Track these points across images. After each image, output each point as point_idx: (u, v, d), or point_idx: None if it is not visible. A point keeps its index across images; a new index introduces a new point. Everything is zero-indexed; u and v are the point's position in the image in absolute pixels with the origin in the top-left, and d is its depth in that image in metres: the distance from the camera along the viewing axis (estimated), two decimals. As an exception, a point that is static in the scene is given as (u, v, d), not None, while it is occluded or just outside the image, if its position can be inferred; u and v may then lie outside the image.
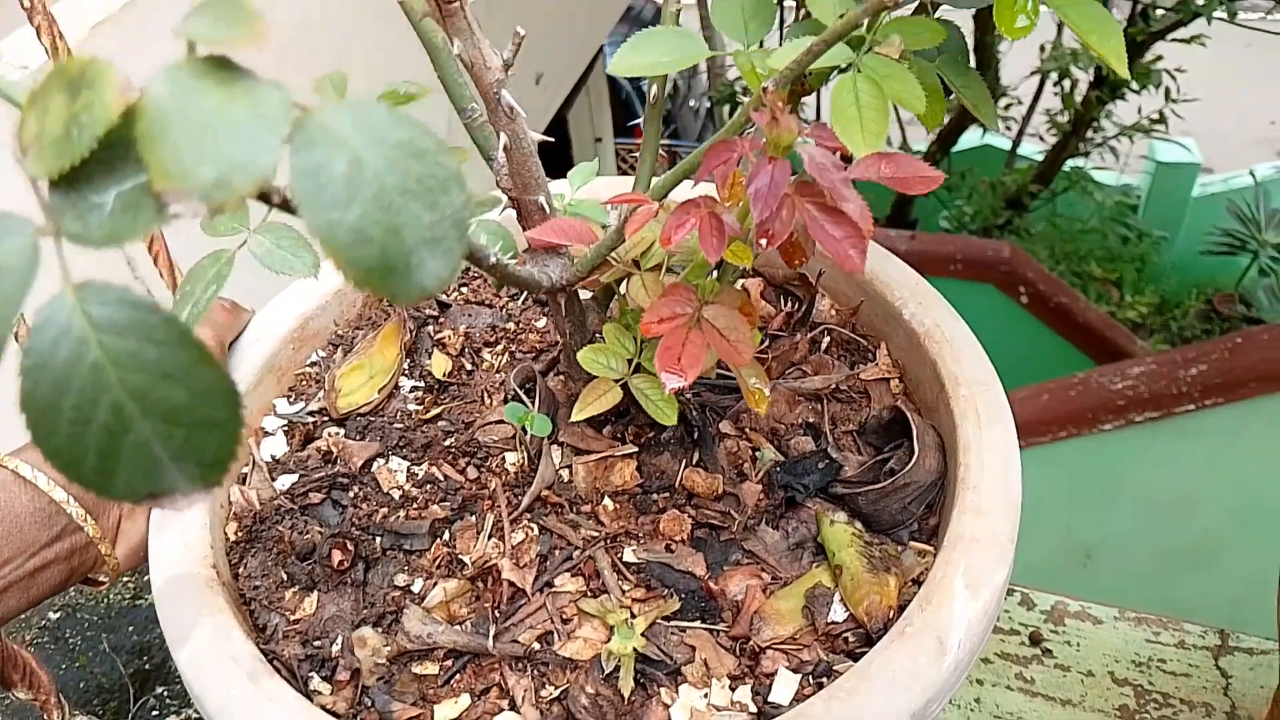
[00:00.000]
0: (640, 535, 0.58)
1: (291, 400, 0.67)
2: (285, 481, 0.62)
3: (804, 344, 0.68)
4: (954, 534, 0.53)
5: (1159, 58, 4.13)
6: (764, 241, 0.41)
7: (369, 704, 0.52)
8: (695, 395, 0.64)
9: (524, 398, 0.62)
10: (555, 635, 0.53)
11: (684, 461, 0.61)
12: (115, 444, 0.25)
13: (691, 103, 6.33)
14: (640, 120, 0.57)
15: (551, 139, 0.56)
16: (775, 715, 0.48)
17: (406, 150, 0.25)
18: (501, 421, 0.63)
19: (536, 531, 0.57)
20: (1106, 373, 2.22)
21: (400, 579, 0.56)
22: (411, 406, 0.66)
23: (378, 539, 0.58)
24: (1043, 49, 4.35)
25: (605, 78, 4.71)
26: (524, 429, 0.60)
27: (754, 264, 0.53)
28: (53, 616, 0.93)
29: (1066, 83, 4.34)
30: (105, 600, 0.92)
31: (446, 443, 0.63)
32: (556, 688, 0.51)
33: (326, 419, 0.66)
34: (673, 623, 0.53)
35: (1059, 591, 0.90)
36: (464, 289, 0.75)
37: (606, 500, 0.59)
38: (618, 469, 0.60)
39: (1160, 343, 4.43)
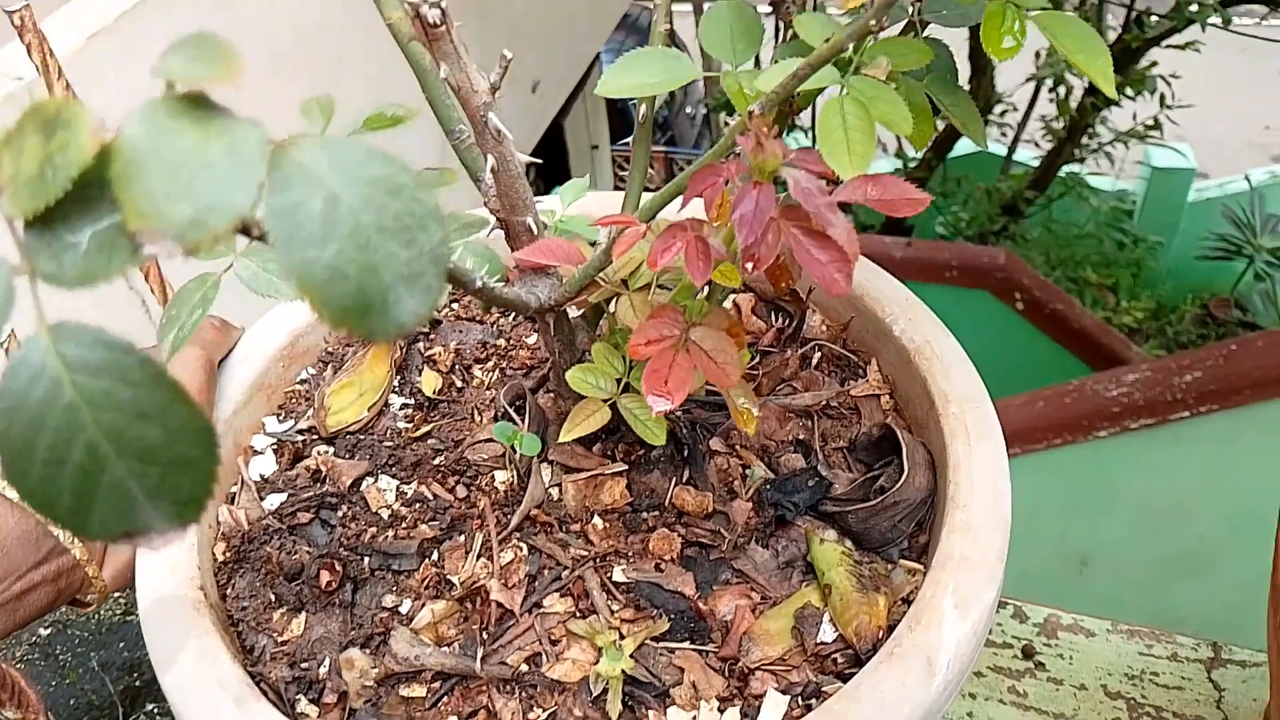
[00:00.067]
0: (630, 554, 0.58)
1: (281, 418, 0.67)
2: (274, 501, 0.61)
3: (795, 360, 0.68)
4: (943, 553, 0.53)
5: (1154, 64, 4.14)
6: (750, 266, 0.41)
7: (357, 726, 0.51)
8: (685, 412, 0.64)
9: (514, 415, 0.62)
10: (544, 657, 0.53)
11: (674, 479, 0.61)
12: (91, 483, 0.25)
13: (688, 110, 6.34)
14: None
15: (539, 160, 0.56)
16: (764, 738, 0.48)
17: (383, 187, 0.25)
18: (491, 440, 0.63)
19: (525, 551, 0.57)
20: (1101, 380, 2.22)
21: (388, 600, 0.56)
22: (401, 424, 0.66)
23: (366, 559, 0.58)
24: (1038, 56, 4.36)
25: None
26: (513, 448, 0.60)
27: (745, 279, 0.53)
28: (43, 633, 0.92)
29: (1061, 89, 4.35)
30: (96, 617, 0.92)
31: (436, 461, 0.63)
32: (544, 710, 0.51)
33: (316, 437, 0.65)
34: (662, 643, 0.53)
35: (1052, 604, 0.90)
36: (455, 305, 0.75)
37: (596, 519, 0.59)
38: (607, 487, 0.60)
39: (1156, 348, 4.44)
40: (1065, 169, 4.68)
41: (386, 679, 0.53)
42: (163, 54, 0.24)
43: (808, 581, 0.57)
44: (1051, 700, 0.83)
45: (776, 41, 0.55)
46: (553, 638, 0.53)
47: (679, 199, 0.48)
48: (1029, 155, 5.15)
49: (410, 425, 0.66)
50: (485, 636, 0.53)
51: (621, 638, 0.53)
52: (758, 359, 0.68)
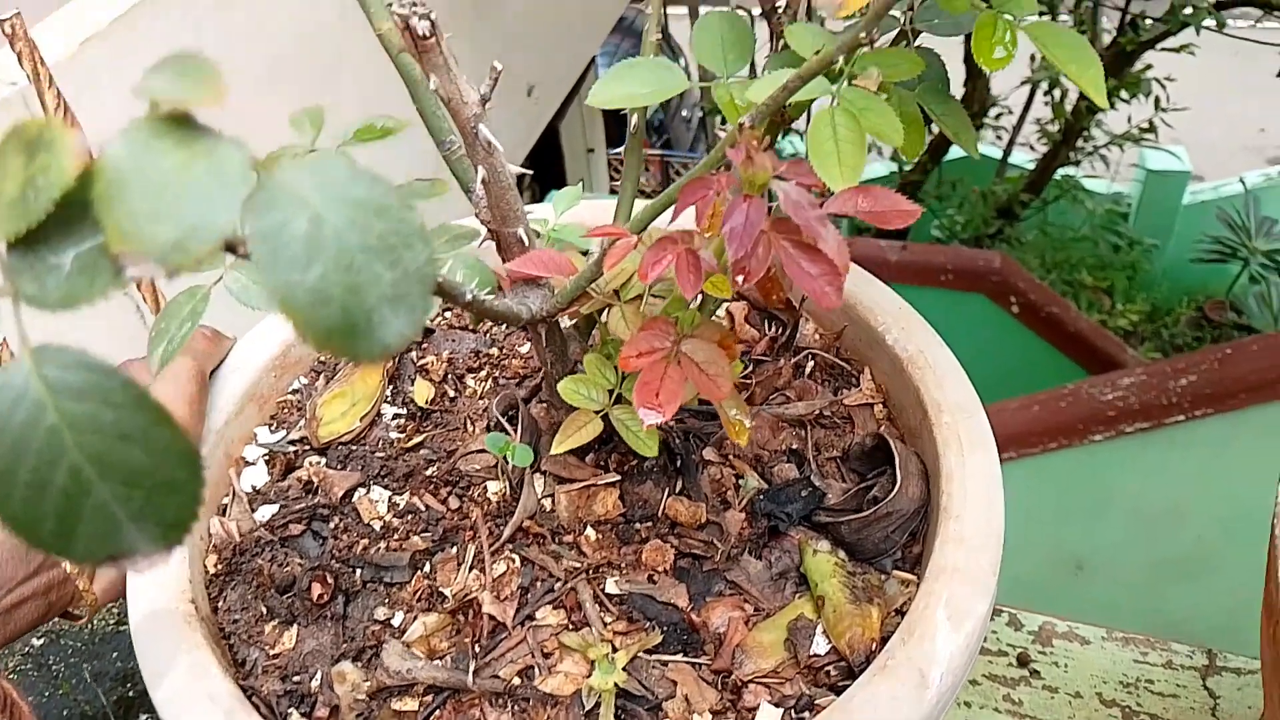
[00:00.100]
0: (623, 566, 0.57)
1: (273, 428, 0.67)
2: (265, 512, 0.61)
3: (788, 369, 0.68)
4: (936, 564, 0.53)
5: (1148, 67, 4.15)
6: (741, 279, 0.40)
7: (348, 740, 0.51)
8: (678, 422, 0.64)
9: (506, 426, 0.62)
10: (536, 670, 0.52)
11: (667, 490, 0.60)
12: (74, 507, 0.24)
13: (684, 113, 6.34)
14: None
15: (530, 170, 0.56)
16: (757, 751, 0.48)
17: (368, 207, 0.25)
18: (484, 450, 0.63)
19: (518, 563, 0.57)
20: (1097, 384, 2.23)
21: (380, 612, 0.56)
22: (393, 434, 0.66)
23: (358, 571, 0.58)
24: (1033, 59, 4.36)
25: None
26: (505, 459, 0.59)
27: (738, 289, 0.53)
28: (36, 643, 0.92)
29: (1056, 92, 4.35)
30: (89, 626, 0.91)
31: (428, 472, 0.63)
32: (537, 723, 0.51)
33: (308, 448, 0.65)
34: (654, 656, 0.53)
35: (1048, 609, 0.90)
36: (448, 314, 0.75)
37: (589, 530, 0.59)
38: (600, 498, 0.60)
39: (1152, 350, 4.45)
40: (1060, 172, 4.69)
41: (378, 692, 0.52)
42: (146, 73, 0.24)
43: (801, 593, 0.56)
44: (1047, 708, 0.83)
45: (772, 47, 0.55)
46: (545, 650, 0.53)
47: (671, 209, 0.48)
48: (1024, 158, 5.16)
49: (403, 435, 0.66)
50: (477, 649, 0.53)
51: (614, 650, 0.53)
52: (751, 368, 0.68)
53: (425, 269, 0.26)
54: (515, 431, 0.60)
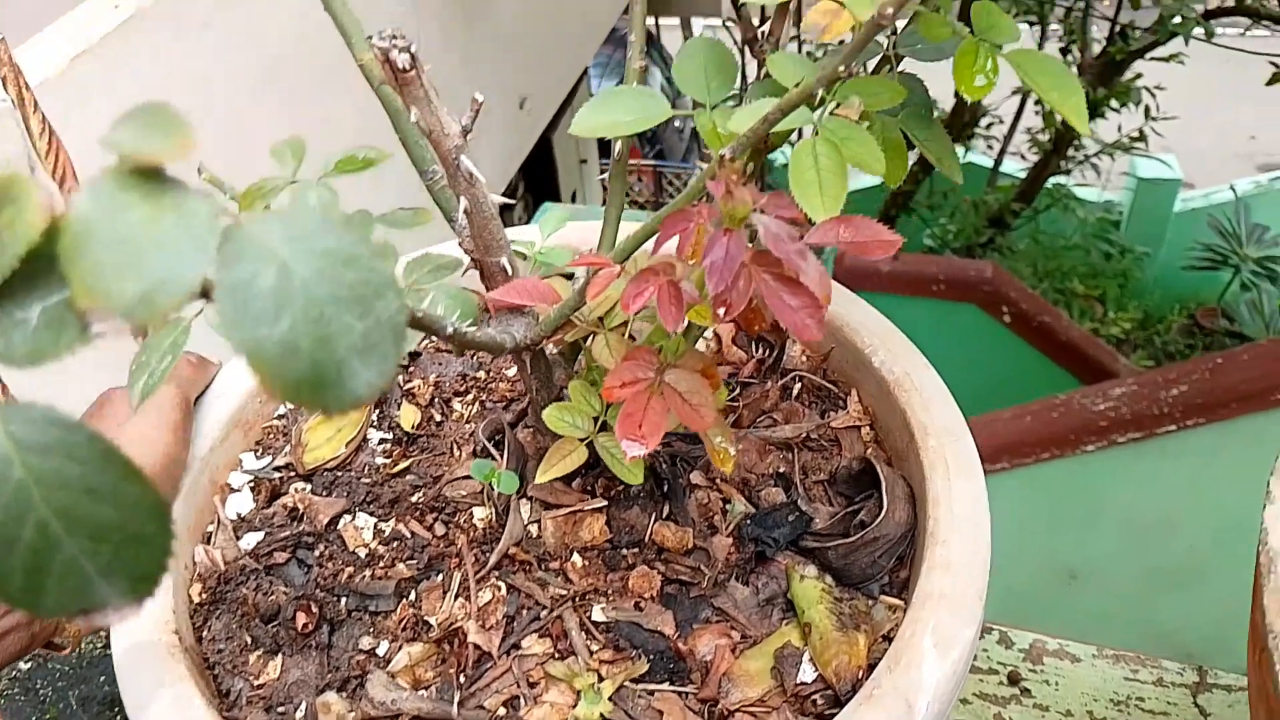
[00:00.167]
0: (609, 592, 0.57)
1: (258, 454, 0.67)
2: (250, 540, 0.61)
3: (775, 391, 0.68)
4: (923, 590, 0.52)
5: (1138, 76, 4.17)
6: (722, 312, 0.40)
7: (333, 773, 0.51)
8: (665, 445, 0.63)
9: (492, 451, 0.61)
10: (522, 700, 0.52)
11: (654, 515, 0.60)
12: (43, 562, 0.24)
13: (676, 123, 6.35)
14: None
15: (511, 200, 0.56)
16: (743, 782, 0.48)
17: (338, 257, 0.25)
18: (471, 475, 0.62)
19: (504, 590, 0.57)
20: (1089, 394, 2.23)
21: (365, 641, 0.56)
22: (379, 460, 0.66)
23: (343, 600, 0.57)
24: (1023, 68, 4.37)
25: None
26: (491, 486, 0.59)
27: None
28: (23, 667, 0.91)
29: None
30: (76, 651, 0.91)
31: (414, 498, 0.63)
32: (522, 755, 0.50)
33: (293, 474, 0.65)
34: (641, 685, 0.53)
35: (1041, 621, 0.90)
36: (434, 337, 0.75)
37: (575, 556, 0.59)
38: (587, 524, 0.60)
39: (1144, 358, 4.45)
40: (1051, 181, 4.70)
41: (363, 724, 0.52)
42: (113, 125, 0.24)
43: (788, 619, 0.56)
44: (1037, 728, 0.83)
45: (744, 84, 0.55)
46: (531, 680, 0.53)
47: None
48: (1015, 167, 5.17)
49: (388, 461, 0.65)
50: (463, 680, 0.53)
51: (600, 679, 0.52)
52: (738, 390, 0.68)
53: (396, 318, 0.25)
54: (501, 457, 0.60)
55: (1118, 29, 4.03)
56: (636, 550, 0.59)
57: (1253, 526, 0.59)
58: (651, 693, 0.52)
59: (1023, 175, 4.88)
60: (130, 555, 0.25)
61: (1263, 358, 2.13)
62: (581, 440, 0.55)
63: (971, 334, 3.24)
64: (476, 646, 0.54)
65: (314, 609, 0.56)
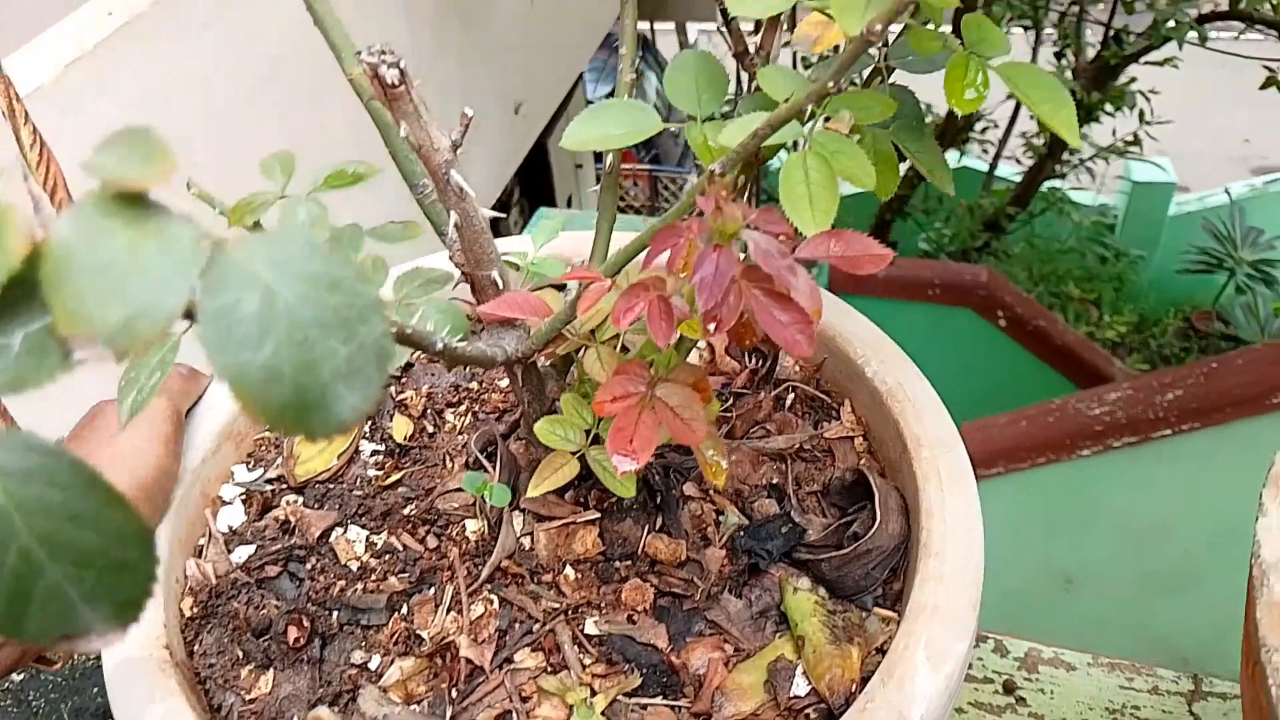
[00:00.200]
0: (602, 605, 0.57)
1: (250, 466, 0.67)
2: (242, 554, 0.61)
3: (768, 402, 0.68)
4: (916, 603, 0.52)
5: (1133, 80, 4.17)
6: (712, 327, 0.40)
7: (324, 788, 0.51)
8: (658, 457, 0.63)
9: (485, 463, 0.61)
10: (514, 715, 0.52)
11: (647, 527, 0.60)
12: (26, 588, 0.24)
13: (672, 128, 6.34)
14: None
15: (502, 214, 0.56)
16: (735, 797, 0.48)
17: (322, 282, 0.25)
18: (463, 488, 0.62)
19: (496, 604, 0.57)
20: (1084, 399, 2.23)
21: (357, 656, 0.55)
22: (371, 472, 0.65)
23: (335, 614, 0.57)
24: (1018, 72, 4.37)
25: (585, 105, 4.72)
26: (483, 498, 0.59)
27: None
28: (16, 678, 0.91)
29: (1041, 105, 4.36)
30: (69, 662, 0.90)
31: (406, 510, 0.62)
32: (514, 770, 0.50)
33: (285, 486, 0.65)
34: (634, 699, 0.53)
35: (1036, 627, 0.90)
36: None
37: (568, 569, 0.59)
38: (579, 536, 0.59)
39: (1140, 361, 4.46)
40: (1046, 184, 4.70)
41: (354, 739, 0.52)
42: (95, 150, 0.24)
43: (781, 632, 0.56)
44: (1032, 737, 0.83)
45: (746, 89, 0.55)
46: (523, 695, 0.53)
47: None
48: (1010, 171, 5.18)
49: (381, 473, 0.65)
50: (454, 694, 0.53)
51: (593, 694, 0.52)
52: (731, 401, 0.68)
53: (381, 342, 0.25)
54: (494, 469, 0.60)
55: (1112, 33, 4.04)
56: (629, 563, 0.59)
57: (1247, 531, 0.59)
58: (644, 707, 0.52)
59: (1018, 179, 4.89)
60: (114, 581, 0.25)
61: (1258, 362, 2.13)
62: (573, 453, 0.54)
63: (967, 338, 3.24)
64: (469, 660, 0.53)
65: (306, 623, 0.56)
